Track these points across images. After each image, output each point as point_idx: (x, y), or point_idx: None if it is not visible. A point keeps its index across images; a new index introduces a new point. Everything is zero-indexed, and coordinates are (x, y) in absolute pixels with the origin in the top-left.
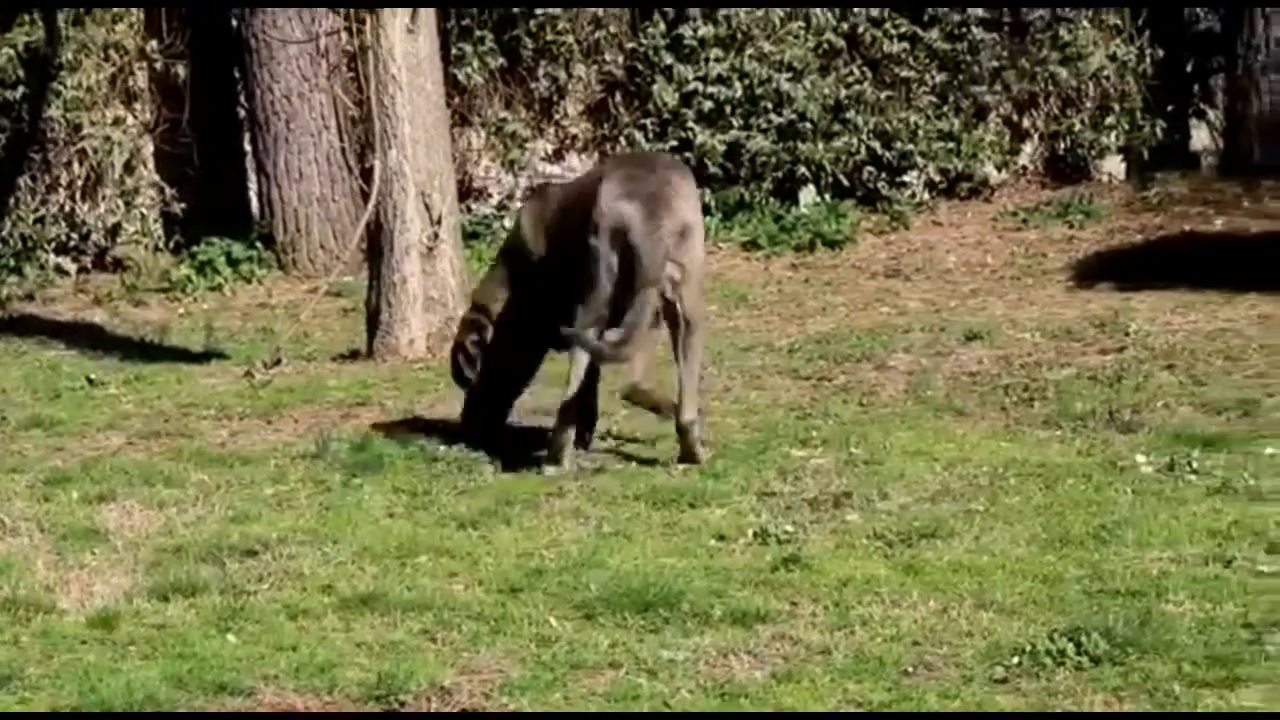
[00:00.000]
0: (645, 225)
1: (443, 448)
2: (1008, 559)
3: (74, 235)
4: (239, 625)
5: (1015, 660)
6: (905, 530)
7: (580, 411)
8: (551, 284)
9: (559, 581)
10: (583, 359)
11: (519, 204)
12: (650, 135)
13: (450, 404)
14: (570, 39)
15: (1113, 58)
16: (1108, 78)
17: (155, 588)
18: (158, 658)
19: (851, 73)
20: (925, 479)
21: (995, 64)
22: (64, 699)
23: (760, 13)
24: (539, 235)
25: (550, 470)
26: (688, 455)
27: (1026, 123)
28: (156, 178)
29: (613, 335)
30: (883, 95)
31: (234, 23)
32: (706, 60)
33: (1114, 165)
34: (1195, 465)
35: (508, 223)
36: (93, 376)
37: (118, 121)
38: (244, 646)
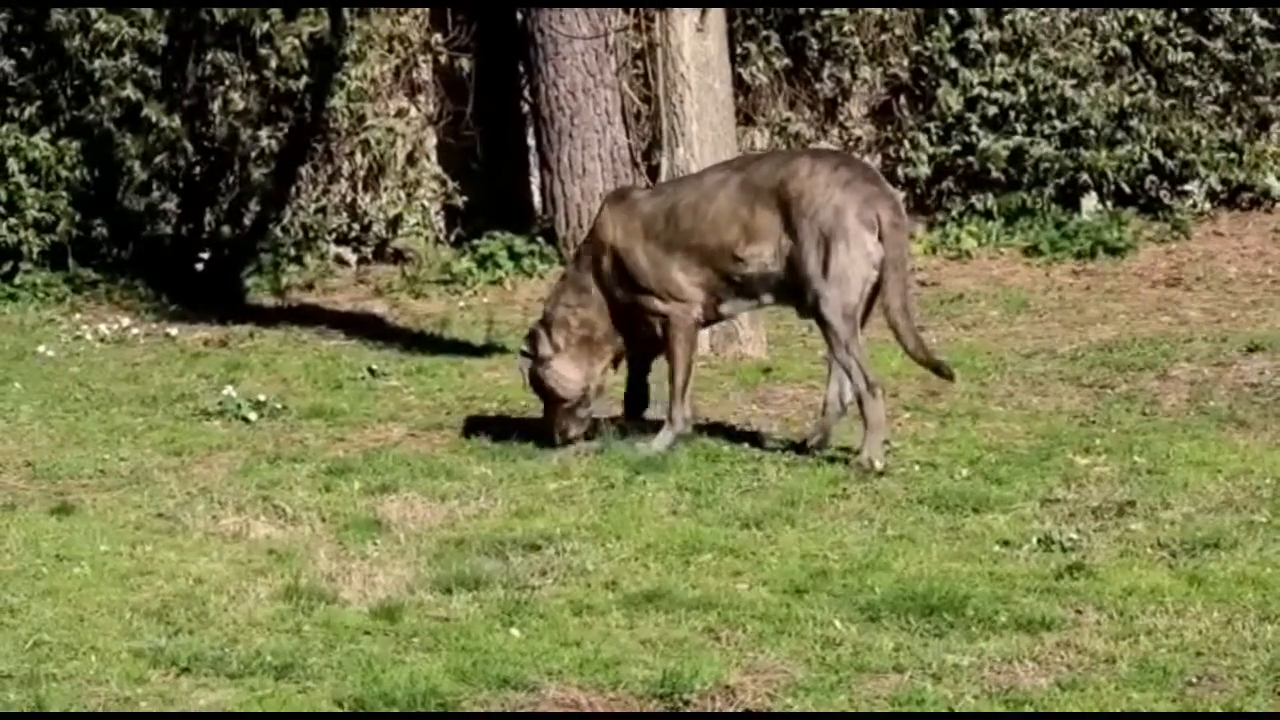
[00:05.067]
0: (894, 213)
1: (726, 446)
2: None
3: (355, 226)
4: (522, 620)
5: None
6: (1189, 540)
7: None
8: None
9: (843, 583)
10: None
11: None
12: (934, 139)
13: (734, 403)
14: (856, 41)
15: None
16: None
17: (438, 580)
18: (440, 650)
19: (1135, 81)
20: (1208, 489)
21: (1279, 75)
22: (346, 689)
23: (1046, 19)
24: (634, 239)
25: (878, 464)
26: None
27: None
28: (439, 170)
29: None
30: (1166, 104)
31: (520, 17)
32: (991, 65)
33: None
34: None
35: None
36: (374, 367)
37: (401, 113)
38: (527, 641)
